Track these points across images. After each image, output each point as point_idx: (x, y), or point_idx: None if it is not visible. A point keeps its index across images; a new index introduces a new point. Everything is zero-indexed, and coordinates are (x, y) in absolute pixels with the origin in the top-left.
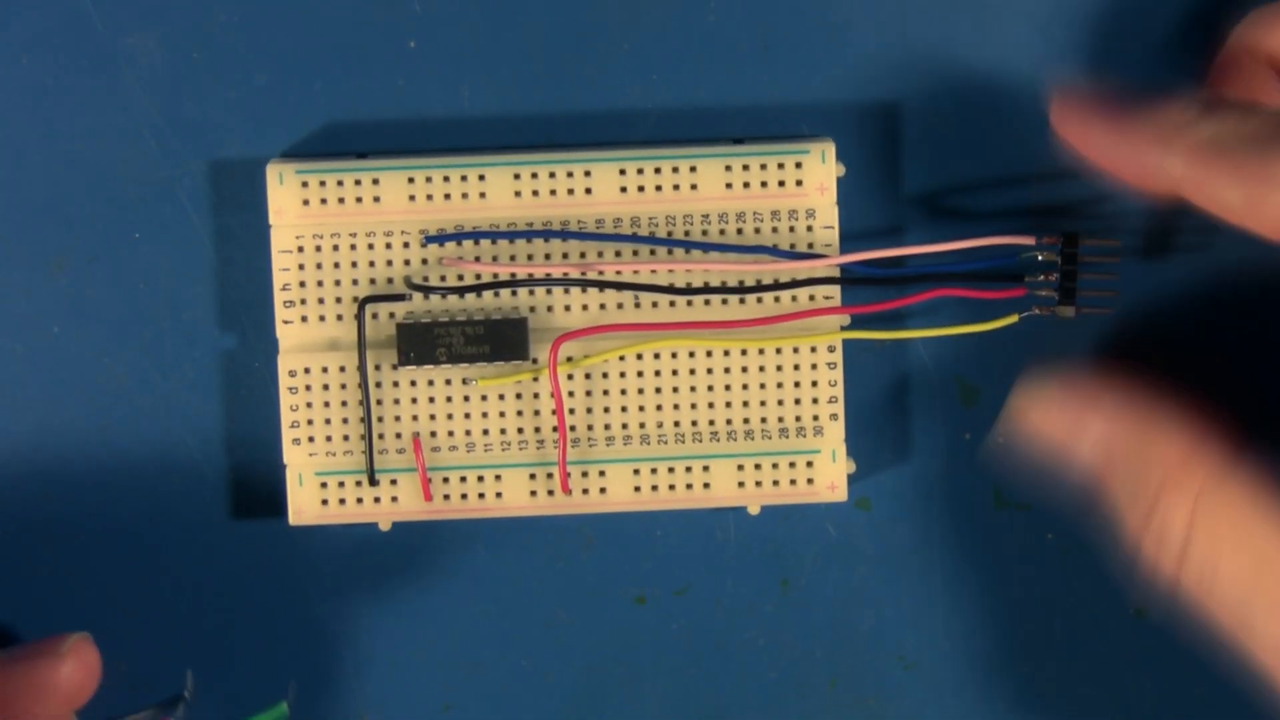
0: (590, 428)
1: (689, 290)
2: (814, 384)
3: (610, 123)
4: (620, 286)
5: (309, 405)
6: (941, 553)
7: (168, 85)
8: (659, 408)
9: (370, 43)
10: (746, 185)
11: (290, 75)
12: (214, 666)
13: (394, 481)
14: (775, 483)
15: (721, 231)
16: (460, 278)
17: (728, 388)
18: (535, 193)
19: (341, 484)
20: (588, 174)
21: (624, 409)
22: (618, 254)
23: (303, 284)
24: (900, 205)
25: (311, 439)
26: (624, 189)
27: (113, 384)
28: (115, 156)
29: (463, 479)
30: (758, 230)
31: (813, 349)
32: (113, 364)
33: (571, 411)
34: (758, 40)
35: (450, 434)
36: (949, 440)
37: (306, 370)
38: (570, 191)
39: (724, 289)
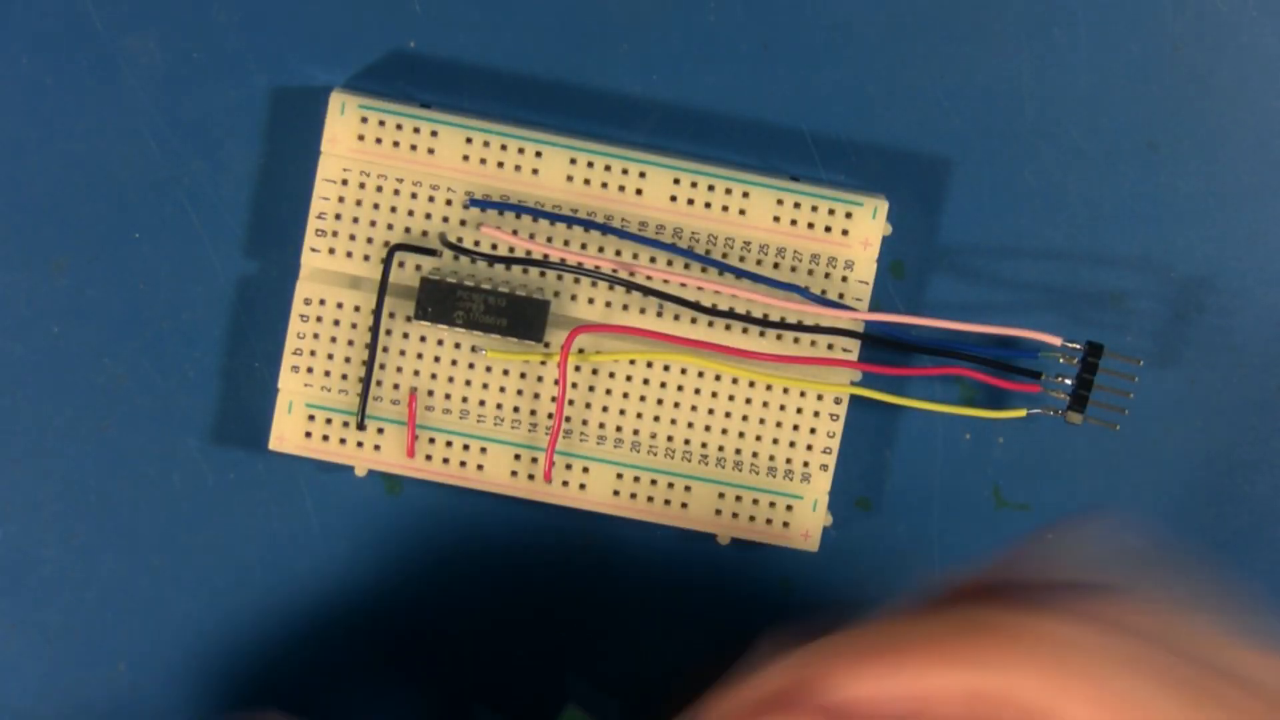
0: (585, 423)
1: (713, 311)
2: (812, 431)
3: (609, 120)
4: (648, 292)
5: (315, 336)
6: (940, 551)
7: (168, 85)
8: (656, 419)
9: (370, 43)
10: (794, 223)
11: (290, 75)
12: (222, 677)
13: (381, 430)
14: (751, 518)
15: (759, 261)
16: (494, 246)
17: (728, 415)
18: (587, 181)
19: (329, 420)
20: (642, 175)
21: (622, 412)
22: (653, 259)
23: (338, 216)
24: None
25: (310, 370)
26: (674, 198)
27: (113, 384)
28: (115, 156)
29: (449, 443)
30: (794, 269)
31: (819, 397)
32: (113, 364)
33: (570, 403)
34: (758, 40)
35: (447, 397)
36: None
37: (322, 301)
38: (621, 189)
39: (748, 318)
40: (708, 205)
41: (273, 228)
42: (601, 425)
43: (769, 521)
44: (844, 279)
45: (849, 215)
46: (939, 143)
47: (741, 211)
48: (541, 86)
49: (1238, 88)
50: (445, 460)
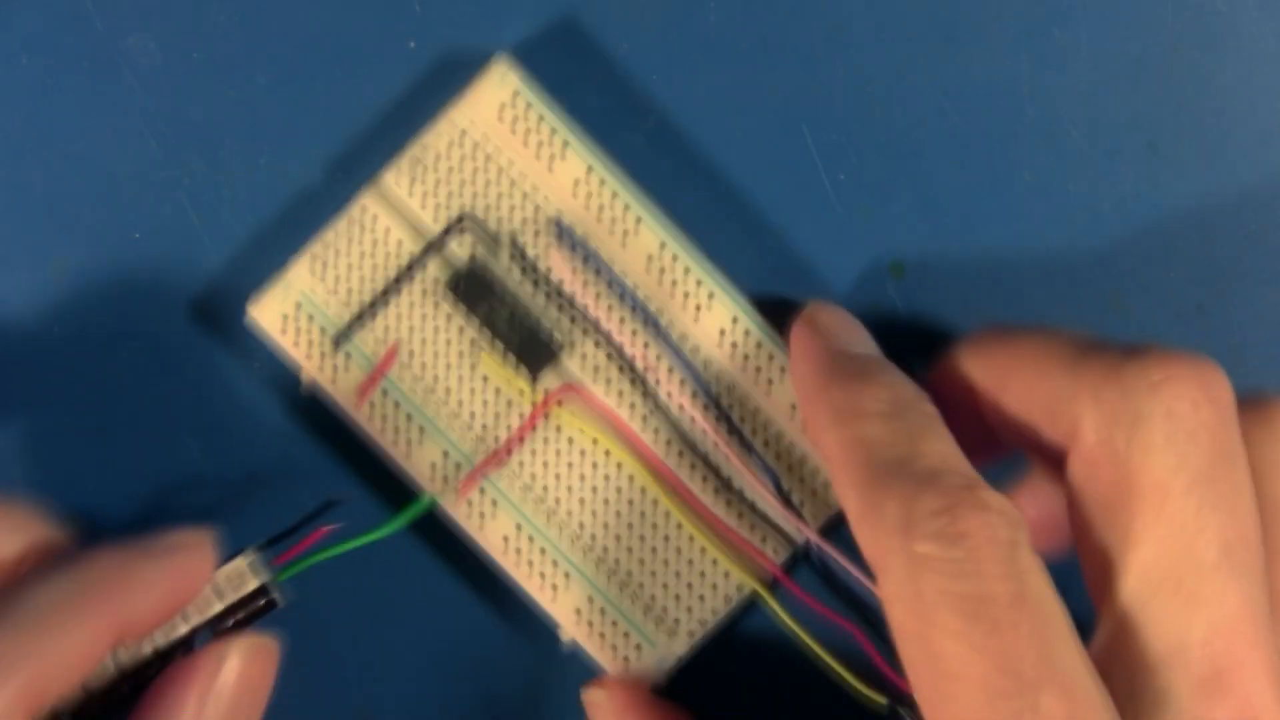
0: (521, 464)
1: (694, 451)
2: (701, 599)
3: (609, 124)
4: (656, 405)
5: (350, 245)
6: None
7: (168, 85)
8: (581, 501)
9: (370, 43)
10: None
11: (290, 75)
12: None
13: (348, 357)
14: (602, 635)
15: (766, 424)
16: (548, 270)
17: (642, 538)
18: (662, 270)
19: (311, 318)
20: (711, 296)
21: (557, 476)
22: (670, 371)
23: (437, 159)
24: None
25: (324, 266)
26: (723, 331)
27: (112, 384)
28: (115, 156)
29: (397, 406)
30: (785, 453)
31: (727, 574)
32: (113, 364)
33: (521, 442)
34: (758, 40)
35: (423, 366)
36: None
37: (375, 218)
38: (686, 295)
39: (716, 472)
40: (746, 357)
41: (272, 227)
42: (533, 476)
43: (614, 648)
44: (826, 488)
45: None
46: (939, 143)
47: (770, 380)
48: (541, 86)
49: (1238, 88)
50: (384, 422)
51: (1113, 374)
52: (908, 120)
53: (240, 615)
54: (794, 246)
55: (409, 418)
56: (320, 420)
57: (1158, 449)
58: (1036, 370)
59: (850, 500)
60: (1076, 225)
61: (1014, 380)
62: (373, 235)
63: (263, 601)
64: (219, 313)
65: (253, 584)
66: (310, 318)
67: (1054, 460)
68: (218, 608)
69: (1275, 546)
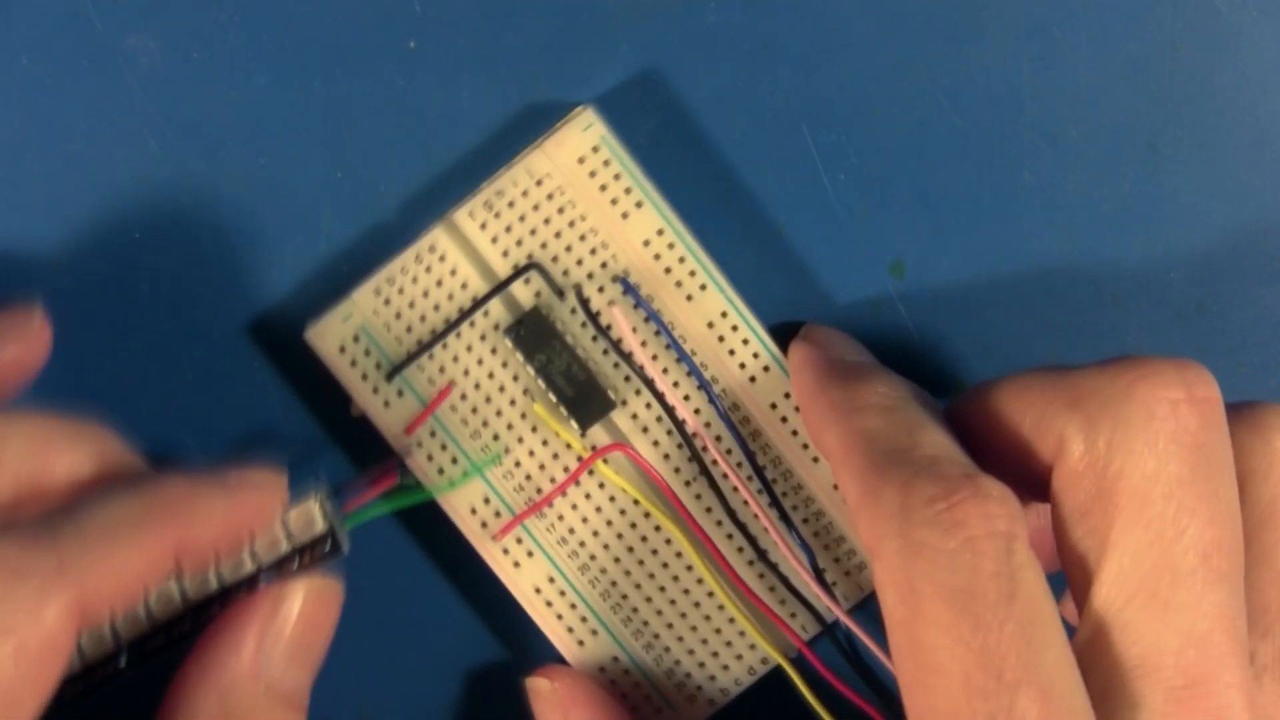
0: (561, 517)
1: (733, 519)
2: (725, 668)
3: (610, 123)
4: (702, 470)
5: (414, 282)
6: None
7: (168, 85)
8: (616, 560)
9: (370, 43)
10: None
11: (290, 75)
12: None
13: (400, 394)
14: (624, 694)
15: (808, 501)
16: (609, 326)
17: (673, 602)
18: (722, 338)
19: (368, 353)
20: (765, 370)
21: (595, 533)
22: (719, 441)
23: (510, 205)
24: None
25: (387, 302)
26: (774, 406)
27: (113, 384)
28: (115, 156)
29: (443, 447)
30: (823, 531)
31: (753, 646)
32: (113, 364)
33: (563, 495)
34: (758, 40)
35: (473, 411)
36: None
37: (442, 258)
38: (742, 366)
39: (754, 543)
40: (795, 433)
41: (273, 229)
42: (571, 530)
43: (635, 709)
44: (860, 569)
45: None
46: (939, 143)
47: (815, 459)
48: (542, 87)
49: (1238, 88)
50: (429, 459)
51: (1092, 383)
52: (908, 120)
53: (306, 558)
54: (794, 246)
55: (454, 460)
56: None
57: (1137, 453)
58: (1021, 400)
59: (850, 489)
60: (1076, 225)
61: (1001, 413)
62: (438, 271)
63: (329, 546)
64: (225, 310)
65: (321, 527)
66: (367, 351)
67: (1044, 488)
68: (284, 548)
69: (1265, 550)
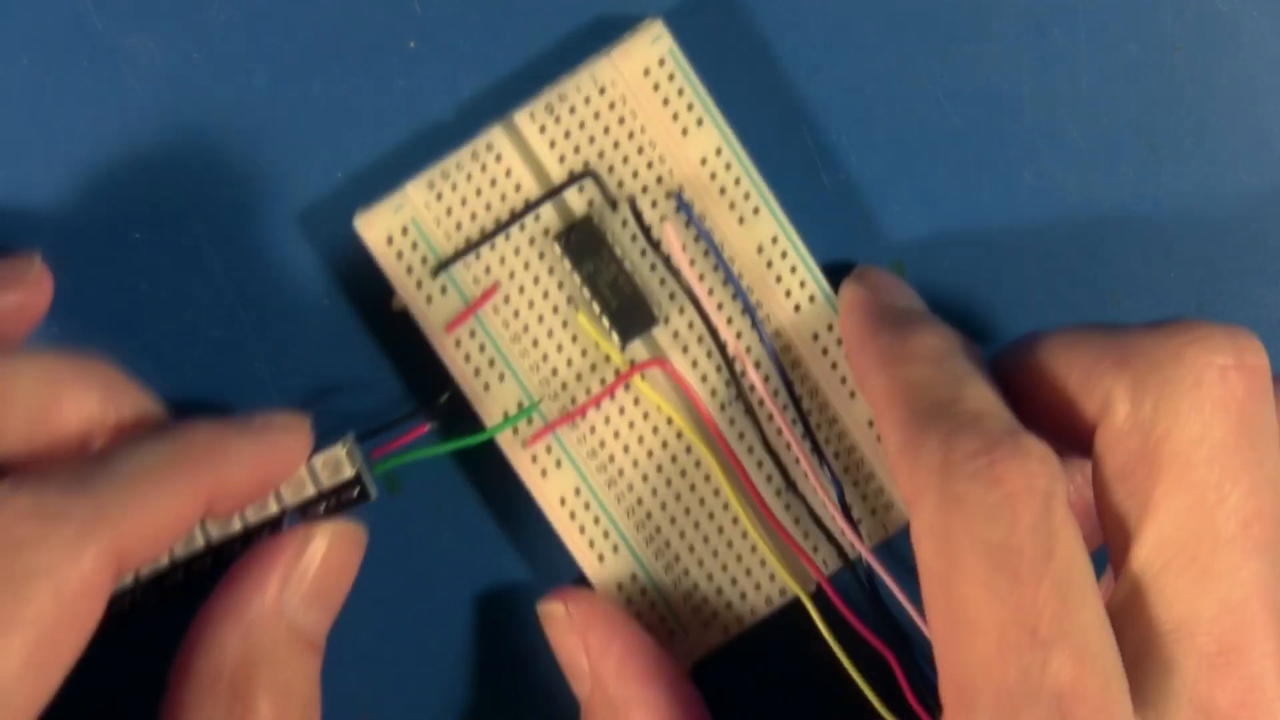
0: (593, 429)
1: (766, 447)
2: (743, 596)
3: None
4: (739, 393)
5: (468, 179)
6: None
7: (168, 85)
8: (644, 476)
9: (370, 43)
10: None
11: (290, 75)
12: None
13: (444, 291)
14: (639, 614)
15: (841, 435)
16: (660, 241)
17: (697, 524)
18: (769, 263)
19: (415, 247)
20: (812, 299)
21: (625, 448)
22: (757, 364)
23: (571, 111)
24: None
25: (440, 197)
26: (816, 336)
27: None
28: (115, 156)
29: (482, 350)
30: (854, 467)
31: (773, 576)
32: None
33: (597, 407)
34: (759, 40)
35: (515, 314)
36: None
37: (499, 158)
38: (788, 293)
39: (784, 472)
40: (834, 365)
41: (272, 231)
42: (602, 443)
43: (649, 629)
44: (887, 508)
45: None
46: (939, 143)
47: (853, 394)
48: (542, 87)
49: (1238, 88)
50: (466, 359)
51: (1142, 343)
52: (908, 120)
53: (332, 502)
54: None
55: (491, 362)
56: (407, 337)
57: (1183, 417)
58: (1069, 355)
59: (891, 438)
60: (1076, 225)
61: (1048, 368)
62: (493, 170)
63: (356, 491)
64: (224, 310)
65: (348, 472)
66: (415, 244)
67: (1087, 446)
68: (311, 492)
69: None
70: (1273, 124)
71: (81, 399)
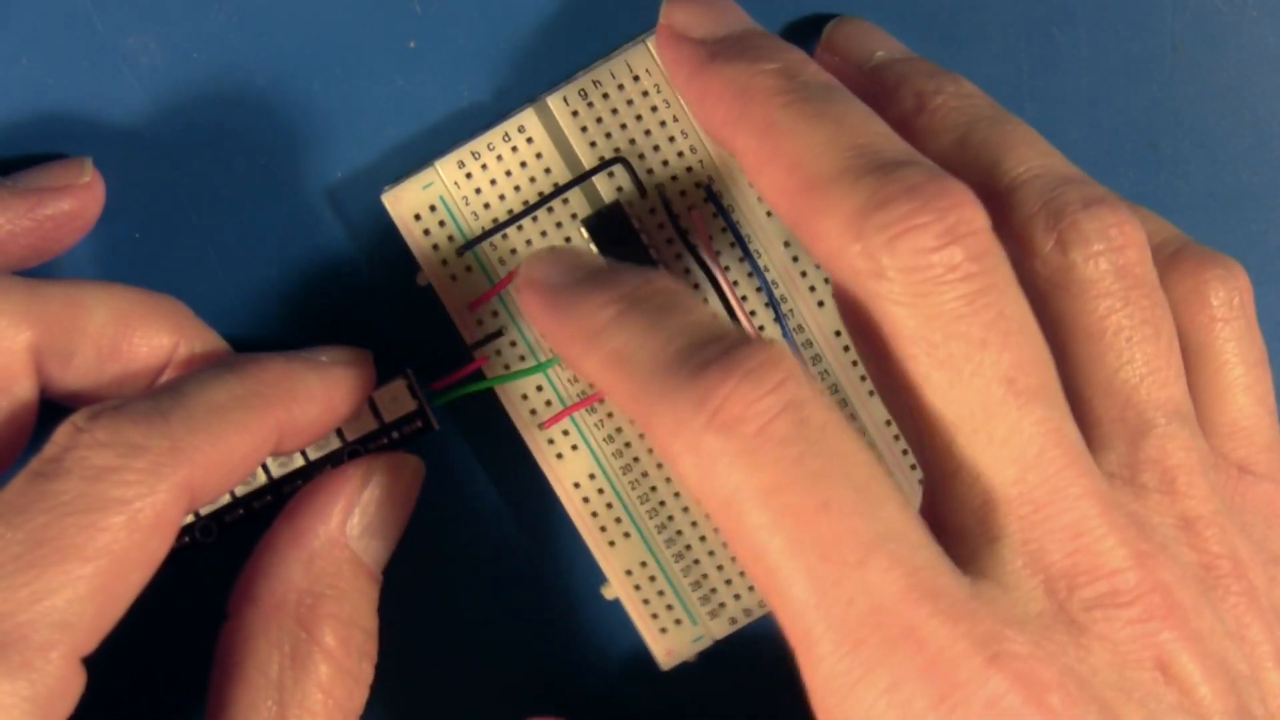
0: (610, 415)
1: None
2: (751, 588)
3: None
4: None
5: (498, 160)
6: None
7: (168, 85)
8: (659, 464)
9: (370, 43)
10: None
11: (290, 75)
12: None
13: (469, 270)
14: (646, 601)
15: (860, 431)
16: (687, 231)
17: (709, 515)
18: (795, 258)
19: (443, 224)
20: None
21: (642, 434)
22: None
23: (605, 96)
24: None
25: (469, 176)
26: (838, 334)
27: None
28: (115, 156)
29: (501, 332)
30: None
31: None
32: None
33: (602, 401)
34: None
35: None
36: None
37: (530, 140)
38: (812, 288)
39: None
40: (854, 363)
41: (273, 231)
42: (619, 429)
43: (655, 615)
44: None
45: None
46: None
47: (870, 392)
48: (543, 87)
49: (1238, 88)
50: (490, 338)
51: (865, 214)
52: None
53: (395, 435)
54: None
55: (512, 343)
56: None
57: (904, 305)
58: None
59: (634, 416)
60: None
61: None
62: (524, 152)
63: (419, 423)
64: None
65: (410, 405)
66: (442, 222)
67: None
68: (373, 425)
69: (1079, 364)
70: (1273, 124)
71: (152, 333)
